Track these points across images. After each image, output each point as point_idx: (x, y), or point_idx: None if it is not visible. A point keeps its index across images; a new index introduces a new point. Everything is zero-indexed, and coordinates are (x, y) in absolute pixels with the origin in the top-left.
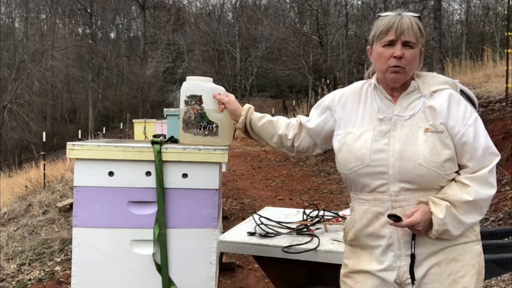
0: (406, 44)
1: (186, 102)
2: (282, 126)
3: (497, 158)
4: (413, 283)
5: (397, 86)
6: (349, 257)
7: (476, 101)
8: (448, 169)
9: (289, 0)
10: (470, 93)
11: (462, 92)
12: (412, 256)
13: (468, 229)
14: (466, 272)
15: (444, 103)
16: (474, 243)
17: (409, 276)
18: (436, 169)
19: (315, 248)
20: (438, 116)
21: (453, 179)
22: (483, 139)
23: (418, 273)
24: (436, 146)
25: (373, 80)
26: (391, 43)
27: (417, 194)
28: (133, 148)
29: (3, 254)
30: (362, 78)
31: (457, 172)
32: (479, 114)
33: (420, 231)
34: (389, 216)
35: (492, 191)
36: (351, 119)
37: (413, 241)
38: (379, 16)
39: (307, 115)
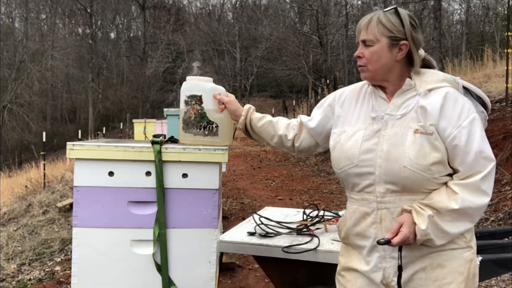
0: (364, 43)
1: (186, 102)
2: (282, 126)
3: (492, 164)
4: None
5: (370, 83)
6: (342, 254)
7: (486, 99)
8: (436, 173)
9: (289, 0)
10: (478, 90)
11: (467, 91)
12: (400, 268)
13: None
14: (452, 279)
15: (437, 103)
16: (464, 250)
17: (394, 279)
18: (422, 172)
19: (315, 248)
20: (429, 117)
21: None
22: (477, 142)
23: (403, 277)
24: (424, 148)
25: None
26: (358, 44)
27: (403, 196)
28: (133, 148)
29: (3, 254)
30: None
31: (451, 175)
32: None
33: (412, 244)
34: (378, 242)
35: (485, 199)
36: (348, 118)
37: (399, 252)
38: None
39: (308, 115)
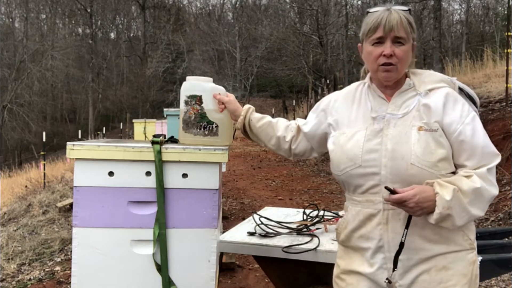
0: (396, 41)
1: (186, 102)
2: (281, 128)
3: (497, 158)
4: (394, 270)
5: (390, 84)
6: (341, 257)
7: (477, 99)
8: (442, 169)
9: (289, 0)
10: (470, 90)
11: (461, 90)
12: (401, 245)
13: (462, 236)
14: (457, 281)
15: (440, 102)
16: (468, 252)
17: (400, 281)
18: (429, 169)
19: (315, 248)
20: (433, 114)
21: None
22: (482, 137)
23: (407, 279)
24: (430, 145)
25: (366, 79)
26: (380, 41)
27: None
28: (133, 148)
29: (3, 254)
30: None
31: (454, 173)
32: (480, 114)
33: (414, 210)
34: (386, 187)
35: (493, 189)
36: (345, 120)
37: (406, 230)
38: (368, 12)
39: (307, 116)
